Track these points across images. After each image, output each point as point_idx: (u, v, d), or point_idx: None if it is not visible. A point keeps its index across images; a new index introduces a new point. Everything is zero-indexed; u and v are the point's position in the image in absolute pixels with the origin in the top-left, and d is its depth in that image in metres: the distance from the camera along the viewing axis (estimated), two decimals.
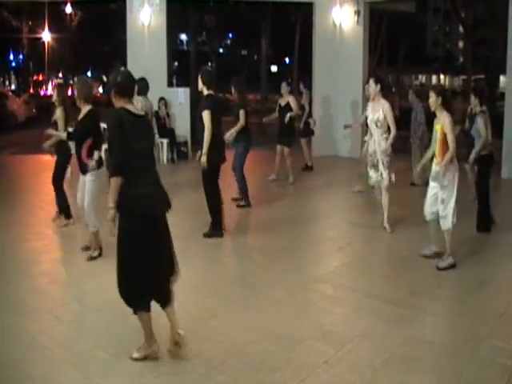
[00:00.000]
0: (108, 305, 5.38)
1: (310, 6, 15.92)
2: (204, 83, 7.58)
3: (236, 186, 9.58)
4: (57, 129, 7.99)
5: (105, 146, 5.85)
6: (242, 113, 9.05)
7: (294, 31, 32.66)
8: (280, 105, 11.53)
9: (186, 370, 4.26)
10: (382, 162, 7.83)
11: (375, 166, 7.94)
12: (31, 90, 45.60)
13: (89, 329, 5.05)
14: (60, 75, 54.86)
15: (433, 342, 4.83)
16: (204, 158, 7.45)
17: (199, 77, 7.61)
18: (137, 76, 4.74)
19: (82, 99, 6.71)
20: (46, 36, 41.56)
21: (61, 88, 8.66)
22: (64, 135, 7.36)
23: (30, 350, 4.63)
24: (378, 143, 7.85)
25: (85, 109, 6.71)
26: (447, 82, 68.35)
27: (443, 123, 6.33)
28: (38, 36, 41.61)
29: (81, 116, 6.76)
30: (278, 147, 11.58)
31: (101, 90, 42.28)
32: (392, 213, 8.08)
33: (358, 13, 14.85)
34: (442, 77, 69.62)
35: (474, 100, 7.84)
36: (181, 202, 7.41)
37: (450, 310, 5.67)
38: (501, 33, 17.12)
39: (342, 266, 6.89)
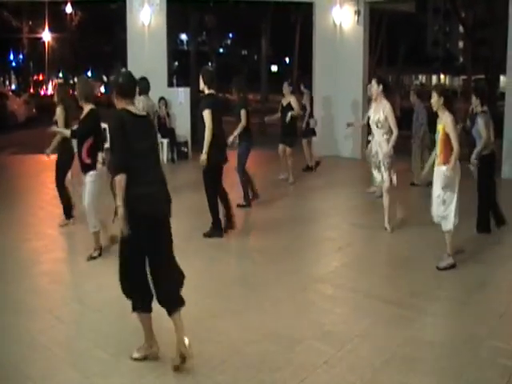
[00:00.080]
0: (108, 305, 5.39)
1: (310, 5, 15.92)
2: (205, 83, 7.59)
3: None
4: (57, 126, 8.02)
5: (106, 146, 5.86)
6: (243, 113, 9.06)
7: (294, 31, 32.67)
8: (282, 105, 11.56)
9: (186, 370, 4.26)
10: (383, 164, 7.84)
11: (378, 168, 7.96)
12: (31, 90, 45.58)
13: (89, 329, 5.05)
14: (60, 75, 54.91)
15: (433, 342, 4.83)
16: (204, 157, 7.45)
17: (200, 76, 7.63)
18: (137, 76, 4.73)
19: (82, 99, 6.72)
20: (46, 36, 41.59)
21: (61, 87, 8.66)
22: (68, 132, 7.35)
23: (30, 350, 4.63)
24: (379, 144, 7.86)
25: (86, 108, 6.72)
26: (447, 82, 68.29)
27: (445, 123, 6.32)
28: (38, 36, 41.63)
29: (82, 115, 6.76)
30: (280, 147, 11.59)
31: (102, 89, 42.33)
32: (392, 213, 8.07)
33: (358, 13, 14.85)
34: (442, 77, 69.59)
35: (474, 100, 7.83)
36: (181, 202, 7.40)
37: (450, 311, 5.67)
38: (501, 33, 17.11)
39: (342, 266, 6.88)
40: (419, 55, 60.08)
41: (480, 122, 7.52)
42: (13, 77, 53.76)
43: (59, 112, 7.98)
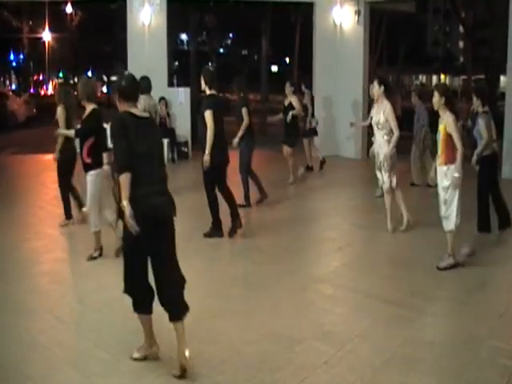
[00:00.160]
0: (108, 305, 5.39)
1: (311, 5, 15.92)
2: (206, 83, 7.59)
3: (251, 184, 9.61)
4: (58, 127, 8.01)
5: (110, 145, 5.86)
6: (244, 110, 9.07)
7: (294, 31, 32.64)
8: (284, 105, 11.59)
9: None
10: (383, 165, 7.84)
11: (380, 169, 7.96)
12: (31, 90, 45.57)
13: (89, 329, 5.05)
14: (60, 75, 54.91)
15: (433, 342, 4.83)
16: (207, 158, 7.44)
17: (201, 77, 7.62)
18: (137, 76, 4.72)
19: (84, 98, 6.72)
20: (47, 36, 41.60)
21: (61, 87, 8.66)
22: (72, 132, 7.35)
23: (29, 350, 4.63)
24: (380, 145, 7.86)
25: (89, 108, 6.71)
26: (447, 82, 68.30)
27: (446, 123, 6.31)
28: (39, 36, 41.64)
29: (85, 115, 6.76)
30: (283, 147, 11.61)
31: (104, 89, 42.31)
32: (394, 214, 8.07)
33: (358, 13, 14.84)
34: (442, 77, 69.56)
35: (475, 101, 7.82)
36: (181, 201, 7.35)
37: (450, 311, 5.67)
38: (501, 33, 17.13)
39: (343, 266, 6.88)
40: (419, 55, 60.08)
41: (481, 122, 7.50)
42: (13, 77, 53.77)
43: (60, 112, 7.99)
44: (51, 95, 43.17)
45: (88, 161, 6.66)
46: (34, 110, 27.58)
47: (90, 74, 52.32)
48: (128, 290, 4.28)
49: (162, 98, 14.20)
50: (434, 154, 8.42)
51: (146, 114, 4.44)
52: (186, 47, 42.11)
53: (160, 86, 13.92)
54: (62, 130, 7.81)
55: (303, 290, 6.00)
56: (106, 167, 6.63)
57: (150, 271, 4.25)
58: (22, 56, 49.71)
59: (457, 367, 4.41)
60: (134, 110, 4.23)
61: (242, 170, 9.33)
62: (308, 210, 9.61)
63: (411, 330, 5.03)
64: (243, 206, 9.26)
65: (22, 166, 14.25)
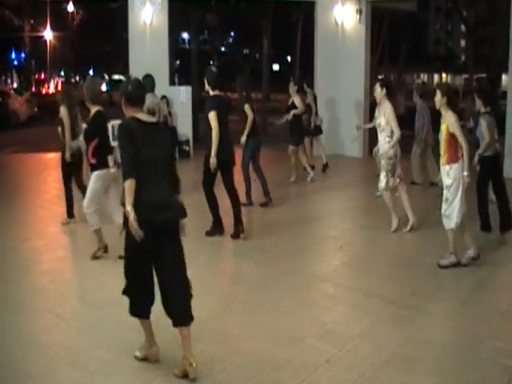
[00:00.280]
0: (109, 304, 5.39)
1: (312, 4, 15.91)
2: (209, 84, 7.58)
3: (258, 185, 9.59)
4: (63, 127, 8.02)
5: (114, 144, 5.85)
6: (247, 107, 9.09)
7: (296, 30, 32.66)
8: (288, 104, 11.63)
9: None
10: (383, 164, 7.86)
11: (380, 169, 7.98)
12: (33, 89, 45.57)
13: (89, 328, 5.06)
14: (62, 73, 54.91)
15: (433, 342, 4.83)
16: (214, 160, 7.40)
17: (205, 78, 7.61)
18: (139, 75, 4.71)
19: (88, 100, 6.68)
20: (48, 34, 41.57)
21: (64, 86, 8.68)
22: (81, 142, 7.37)
23: (30, 349, 4.63)
24: (381, 146, 7.88)
25: (93, 110, 6.69)
26: (449, 81, 68.23)
27: (449, 123, 6.30)
28: (40, 34, 41.62)
29: (89, 117, 6.74)
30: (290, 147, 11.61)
31: (104, 88, 42.32)
32: (398, 214, 8.05)
33: (359, 11, 14.83)
34: (443, 75, 69.53)
35: (477, 101, 7.80)
36: (182, 200, 7.40)
37: (450, 311, 5.66)
38: (502, 31, 17.10)
39: (344, 265, 6.88)
40: (421, 54, 60.05)
41: (483, 123, 7.48)
42: (14, 75, 53.75)
43: (63, 111, 8.00)
44: (53, 94, 43.24)
45: (93, 161, 6.65)
46: (36, 109, 27.59)
47: (91, 72, 52.32)
48: (127, 292, 4.26)
49: (163, 97, 14.18)
50: (436, 152, 8.40)
51: (153, 119, 4.36)
52: (187, 46, 42.08)
53: (161, 84, 13.87)
54: (80, 142, 7.84)
55: (304, 289, 6.00)
56: (112, 170, 6.60)
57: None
58: (23, 55, 49.66)
59: (457, 367, 4.41)
60: (140, 116, 4.18)
61: (242, 166, 9.31)
62: (310, 209, 9.60)
63: (412, 329, 5.03)
64: (245, 204, 9.25)
65: (23, 165, 14.25)
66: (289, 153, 11.50)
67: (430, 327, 5.19)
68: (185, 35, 43.77)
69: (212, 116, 7.39)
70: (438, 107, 6.46)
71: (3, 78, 49.84)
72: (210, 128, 7.42)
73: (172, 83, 15.83)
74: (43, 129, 21.18)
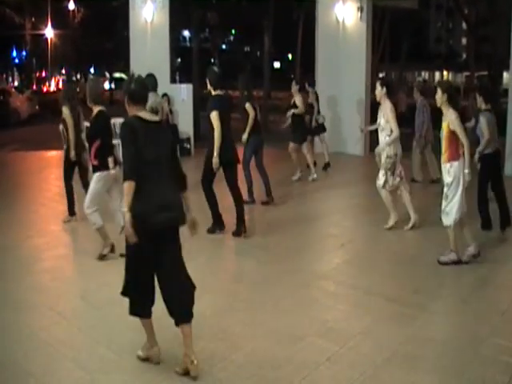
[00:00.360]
0: (110, 302, 5.38)
1: (313, 2, 15.93)
2: (211, 84, 7.58)
3: (261, 183, 9.61)
4: (66, 126, 8.02)
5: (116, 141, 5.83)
6: (248, 105, 9.11)
7: (297, 28, 32.64)
8: (290, 104, 11.67)
9: None
10: (382, 163, 7.86)
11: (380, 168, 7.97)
12: (34, 87, 45.58)
13: (90, 326, 5.06)
14: (63, 71, 54.90)
15: (434, 340, 4.82)
16: (216, 160, 7.40)
17: (207, 78, 7.61)
18: (141, 73, 4.68)
19: (90, 101, 6.66)
20: (49, 33, 41.57)
21: (66, 85, 8.67)
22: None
23: (31, 347, 4.63)
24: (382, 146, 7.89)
25: (95, 110, 6.67)
26: (450, 79, 68.20)
27: (450, 120, 6.30)
28: (41, 33, 41.61)
29: (92, 117, 6.73)
30: (290, 144, 11.62)
31: (107, 86, 42.31)
32: (398, 213, 8.05)
33: (360, 9, 14.83)
34: (444, 73, 69.47)
35: (478, 98, 7.79)
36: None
37: (451, 309, 5.66)
38: (504, 29, 17.04)
39: (345, 263, 6.88)
40: (422, 52, 60.06)
41: (482, 120, 7.48)
42: (15, 73, 53.75)
43: (66, 111, 7.99)
44: (54, 92, 43.26)
45: (95, 162, 6.64)
46: (37, 107, 27.58)
47: (92, 70, 52.30)
48: (126, 292, 4.25)
49: (164, 95, 14.18)
50: (436, 150, 8.40)
51: (156, 118, 4.35)
52: (188, 44, 42.09)
53: (162, 82, 13.88)
54: (72, 140, 7.86)
55: (305, 287, 6.00)
56: (112, 171, 6.59)
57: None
58: (24, 53, 49.65)
59: (458, 365, 4.41)
60: (142, 114, 4.15)
61: (243, 165, 9.30)
62: (311, 208, 9.60)
63: (413, 327, 5.02)
64: (247, 202, 9.25)
65: (24, 163, 14.25)
66: (289, 150, 11.50)
67: (431, 325, 5.19)
68: (186, 33, 43.80)
69: (214, 116, 7.38)
70: (438, 105, 6.46)
71: (4, 76, 49.90)
72: (212, 128, 7.42)
73: (173, 81, 15.85)
74: (44, 127, 21.20)
